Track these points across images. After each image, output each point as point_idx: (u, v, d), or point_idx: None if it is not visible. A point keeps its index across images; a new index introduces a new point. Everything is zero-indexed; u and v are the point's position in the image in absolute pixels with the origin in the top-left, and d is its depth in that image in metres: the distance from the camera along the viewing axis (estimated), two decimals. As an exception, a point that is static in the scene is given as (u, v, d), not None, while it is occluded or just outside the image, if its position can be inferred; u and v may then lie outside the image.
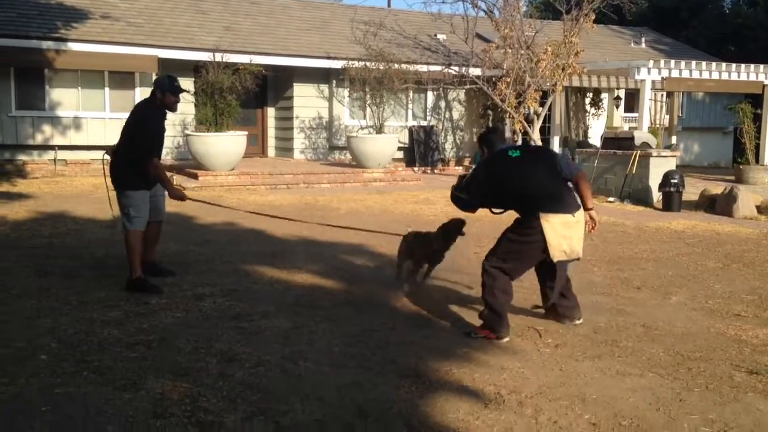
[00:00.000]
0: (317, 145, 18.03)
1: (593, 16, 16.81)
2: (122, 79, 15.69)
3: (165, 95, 5.91)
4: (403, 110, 18.58)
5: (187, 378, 3.92)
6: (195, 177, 13.49)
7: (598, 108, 20.72)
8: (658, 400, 3.80)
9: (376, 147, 15.59)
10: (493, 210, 5.12)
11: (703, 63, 16.61)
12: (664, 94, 20.06)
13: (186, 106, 14.24)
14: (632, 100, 20.54)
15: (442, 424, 3.47)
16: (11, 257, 6.93)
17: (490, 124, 18.40)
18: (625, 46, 22.89)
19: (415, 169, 17.57)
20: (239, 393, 3.73)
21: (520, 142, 16.18)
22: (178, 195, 6.08)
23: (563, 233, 4.75)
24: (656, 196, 12.40)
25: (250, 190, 12.98)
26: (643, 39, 23.51)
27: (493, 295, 4.80)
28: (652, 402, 3.78)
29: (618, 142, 13.88)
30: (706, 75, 16.50)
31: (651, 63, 15.74)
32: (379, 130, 16.04)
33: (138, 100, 13.80)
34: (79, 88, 15.42)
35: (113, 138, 6.26)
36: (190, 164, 14.55)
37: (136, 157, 5.77)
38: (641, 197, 12.65)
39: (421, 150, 18.07)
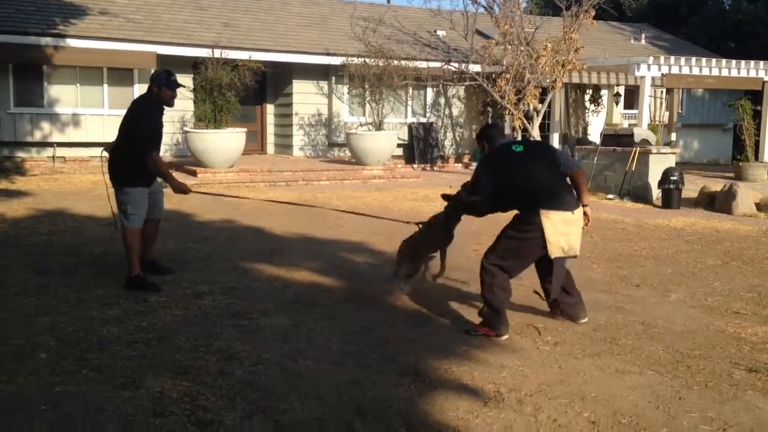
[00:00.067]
0: (316, 142, 18.01)
1: (593, 13, 16.82)
2: (121, 75, 15.68)
3: (161, 90, 5.86)
4: (402, 107, 18.55)
5: (186, 376, 3.92)
6: (194, 174, 13.46)
7: (598, 105, 20.72)
8: (658, 398, 3.80)
9: (375, 144, 15.57)
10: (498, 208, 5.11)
11: (703, 59, 16.59)
12: (664, 90, 20.05)
13: (185, 102, 14.24)
14: (632, 97, 20.54)
15: (442, 422, 3.46)
16: (10, 254, 6.92)
17: (490, 121, 18.38)
18: (625, 43, 22.88)
19: (415, 166, 17.52)
20: (238, 391, 3.73)
21: (519, 139, 16.15)
22: (182, 188, 6.00)
23: (562, 230, 4.75)
24: (656, 193, 12.38)
25: (249, 187, 12.95)
26: (643, 35, 23.49)
27: (493, 292, 4.79)
28: (652, 400, 3.78)
29: (617, 139, 13.87)
30: (705, 71, 16.49)
31: (651, 59, 15.73)
32: (379, 126, 16.01)
33: (136, 96, 13.78)
34: (78, 84, 15.42)
35: (112, 135, 6.23)
36: (189, 161, 14.53)
37: (134, 154, 5.75)
38: (641, 194, 12.64)
39: (420, 147, 18.02)
